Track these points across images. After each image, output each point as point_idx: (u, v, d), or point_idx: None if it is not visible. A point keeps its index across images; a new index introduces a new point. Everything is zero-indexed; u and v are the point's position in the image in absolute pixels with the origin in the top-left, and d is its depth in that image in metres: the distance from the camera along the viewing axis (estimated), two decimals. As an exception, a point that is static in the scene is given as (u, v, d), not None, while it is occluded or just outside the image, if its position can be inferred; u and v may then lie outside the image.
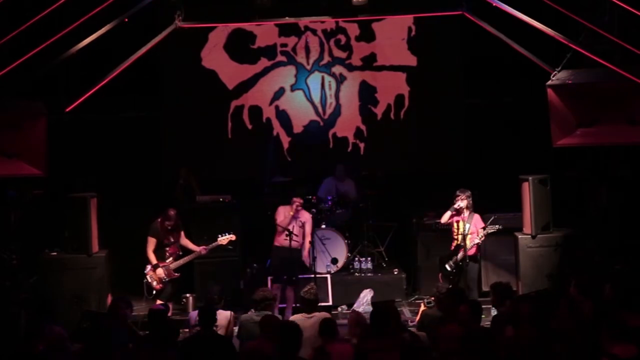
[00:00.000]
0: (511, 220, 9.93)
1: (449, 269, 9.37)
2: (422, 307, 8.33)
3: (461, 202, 9.32)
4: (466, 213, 9.35)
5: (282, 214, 9.57)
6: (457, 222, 9.41)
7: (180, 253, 9.32)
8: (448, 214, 9.46)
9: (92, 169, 11.14)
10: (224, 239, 9.30)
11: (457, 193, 9.38)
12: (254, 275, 10.47)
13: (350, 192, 11.38)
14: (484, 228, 9.34)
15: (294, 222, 9.50)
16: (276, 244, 9.64)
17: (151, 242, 9.18)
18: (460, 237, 9.33)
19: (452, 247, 9.46)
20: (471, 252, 9.38)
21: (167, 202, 9.73)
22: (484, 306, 7.69)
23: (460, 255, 9.28)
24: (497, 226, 9.31)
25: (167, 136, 12.04)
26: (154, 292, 9.04)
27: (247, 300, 8.58)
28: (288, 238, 9.33)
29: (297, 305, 8.56)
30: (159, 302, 8.78)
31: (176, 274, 9.19)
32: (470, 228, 9.32)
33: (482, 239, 9.33)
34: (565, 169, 10.68)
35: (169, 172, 11.51)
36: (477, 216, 9.43)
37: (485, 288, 10.09)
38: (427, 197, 11.06)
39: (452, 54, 12.08)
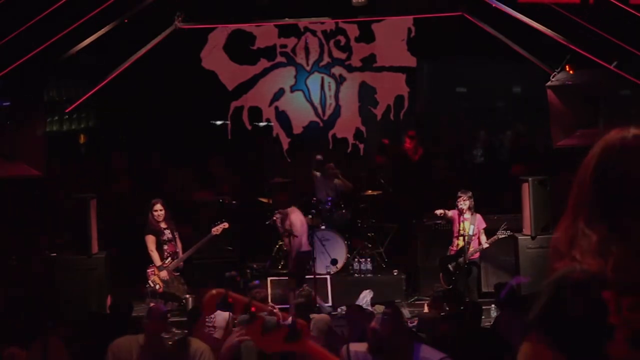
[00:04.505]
0: (511, 222, 9.95)
1: (451, 269, 9.38)
2: (426, 310, 8.35)
3: (463, 204, 9.33)
4: (468, 214, 9.36)
5: (299, 220, 9.65)
6: (460, 222, 9.43)
7: (178, 251, 9.34)
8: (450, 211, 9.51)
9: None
10: (217, 229, 9.33)
11: (459, 194, 9.39)
12: (254, 276, 10.46)
13: (342, 189, 11.45)
14: (485, 229, 9.37)
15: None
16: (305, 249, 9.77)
17: (150, 240, 9.18)
18: (462, 238, 9.34)
19: (454, 248, 9.47)
20: (475, 256, 9.42)
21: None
22: (484, 307, 7.72)
23: (463, 257, 9.31)
24: (507, 232, 9.34)
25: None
26: (157, 295, 9.06)
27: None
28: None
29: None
30: (151, 304, 8.78)
31: (175, 274, 9.21)
32: (473, 229, 9.33)
33: (489, 245, 9.37)
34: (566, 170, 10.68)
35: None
36: (479, 216, 9.45)
37: (484, 289, 10.09)
38: (428, 198, 11.06)
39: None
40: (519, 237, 9.59)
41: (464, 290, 9.03)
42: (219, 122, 11.98)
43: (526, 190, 9.58)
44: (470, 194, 9.39)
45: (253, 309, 1.79)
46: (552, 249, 1.72)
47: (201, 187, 11.80)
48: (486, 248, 9.43)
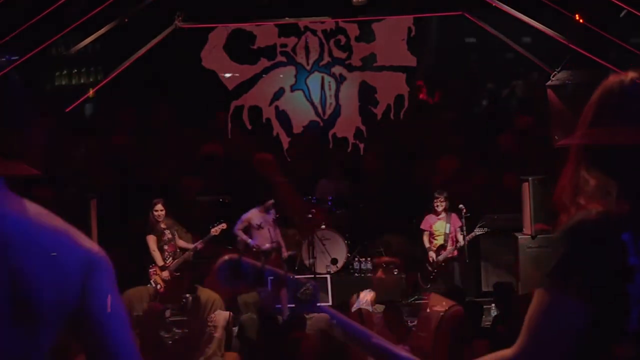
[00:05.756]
0: (511, 221, 9.98)
1: (429, 269, 9.53)
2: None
3: (440, 205, 9.58)
4: (443, 214, 9.63)
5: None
6: (436, 222, 9.69)
7: (178, 250, 9.36)
8: (425, 234, 9.78)
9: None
10: (216, 229, 9.36)
11: (436, 195, 9.57)
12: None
13: (343, 193, 11.46)
14: (461, 227, 9.53)
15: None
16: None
17: (151, 240, 9.19)
18: (440, 237, 9.60)
19: (434, 248, 9.71)
20: (453, 254, 9.62)
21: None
22: (484, 306, 7.73)
23: (441, 256, 9.55)
24: (485, 229, 9.50)
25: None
26: (158, 295, 9.07)
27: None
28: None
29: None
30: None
31: (176, 274, 9.23)
32: (449, 228, 9.59)
33: (467, 241, 9.52)
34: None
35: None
36: (454, 215, 9.70)
37: (485, 288, 10.10)
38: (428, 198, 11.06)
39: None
40: (519, 237, 9.60)
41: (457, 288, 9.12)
42: (227, 75, 11.83)
43: (526, 189, 9.59)
44: (445, 194, 9.63)
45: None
46: (557, 200, 1.71)
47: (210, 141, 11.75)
48: (464, 245, 9.59)
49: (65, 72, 10.94)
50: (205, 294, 5.00)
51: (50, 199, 9.53)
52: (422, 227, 9.90)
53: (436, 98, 11.98)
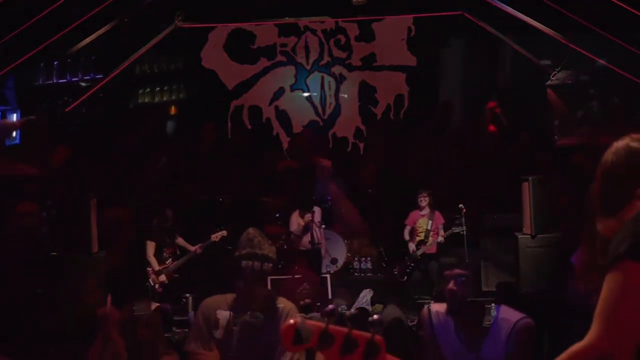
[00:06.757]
0: (511, 221, 9.99)
1: (408, 262, 9.73)
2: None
3: (424, 200, 9.73)
4: (425, 211, 9.79)
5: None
6: (419, 219, 9.81)
7: (178, 253, 9.35)
8: (407, 228, 9.93)
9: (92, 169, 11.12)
10: (216, 236, 9.36)
11: (420, 191, 9.76)
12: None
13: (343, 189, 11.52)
14: (443, 225, 9.68)
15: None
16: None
17: (150, 246, 9.19)
18: (423, 234, 9.74)
19: (415, 243, 9.84)
20: (432, 249, 9.74)
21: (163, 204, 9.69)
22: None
23: (420, 250, 9.72)
24: (461, 228, 9.60)
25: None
26: (158, 295, 9.08)
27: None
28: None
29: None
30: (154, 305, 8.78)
31: (175, 275, 9.22)
32: (431, 224, 9.74)
33: (444, 239, 9.65)
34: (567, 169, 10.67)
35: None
36: (437, 213, 9.83)
37: (485, 288, 10.10)
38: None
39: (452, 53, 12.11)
40: (519, 237, 9.59)
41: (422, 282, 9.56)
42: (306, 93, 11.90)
43: (526, 189, 9.58)
44: (429, 191, 9.80)
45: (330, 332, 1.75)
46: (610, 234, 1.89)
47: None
48: (441, 241, 9.72)
49: (148, 89, 10.99)
50: (282, 303, 5.05)
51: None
52: (406, 222, 10.03)
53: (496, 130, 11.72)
